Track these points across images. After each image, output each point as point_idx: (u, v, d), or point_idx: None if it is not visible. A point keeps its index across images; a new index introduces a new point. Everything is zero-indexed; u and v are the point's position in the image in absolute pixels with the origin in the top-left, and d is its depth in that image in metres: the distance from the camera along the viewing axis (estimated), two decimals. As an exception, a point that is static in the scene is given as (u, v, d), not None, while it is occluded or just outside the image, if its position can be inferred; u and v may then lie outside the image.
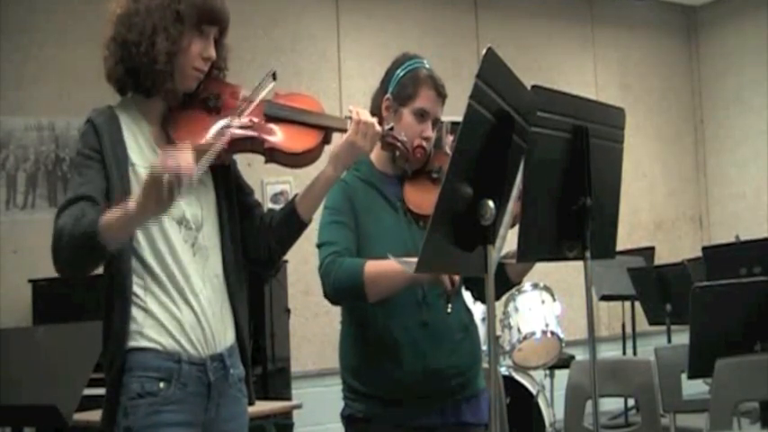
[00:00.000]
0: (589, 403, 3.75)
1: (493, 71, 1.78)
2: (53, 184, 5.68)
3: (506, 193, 1.99)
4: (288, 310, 5.90)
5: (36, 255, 5.40)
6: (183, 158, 1.82)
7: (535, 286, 5.27)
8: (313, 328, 6.43)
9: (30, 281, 5.13)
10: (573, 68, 8.08)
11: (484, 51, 1.71)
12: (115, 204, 1.96)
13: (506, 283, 2.68)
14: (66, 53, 5.63)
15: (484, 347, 4.56)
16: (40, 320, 4.99)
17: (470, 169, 1.82)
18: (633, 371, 3.84)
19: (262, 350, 5.43)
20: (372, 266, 2.46)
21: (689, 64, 8.87)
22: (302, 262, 5.62)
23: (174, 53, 2.11)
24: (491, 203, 1.83)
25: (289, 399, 5.53)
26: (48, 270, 5.14)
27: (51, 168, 5.69)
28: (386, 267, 2.42)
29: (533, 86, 2.13)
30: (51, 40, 5.70)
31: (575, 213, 2.35)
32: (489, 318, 1.97)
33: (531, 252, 2.31)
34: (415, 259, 1.78)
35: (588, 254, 2.39)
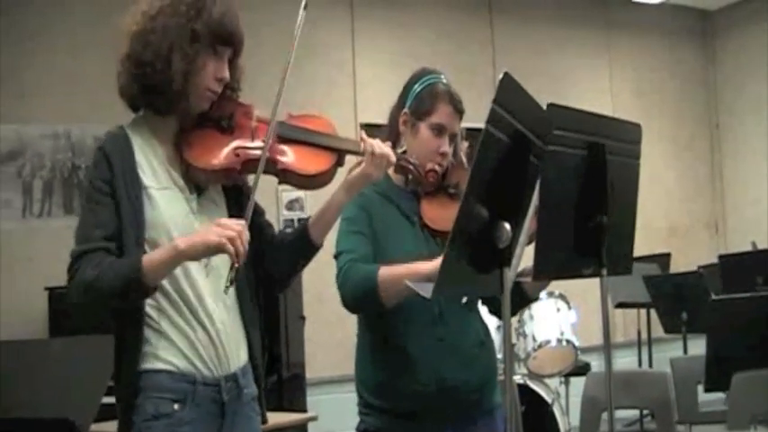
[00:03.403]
0: (604, 414, 3.74)
1: (509, 96, 1.77)
2: (69, 191, 5.70)
3: (522, 213, 1.99)
4: (302, 318, 5.91)
5: (52, 262, 5.40)
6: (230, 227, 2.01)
7: (550, 294, 5.25)
8: (327, 336, 6.43)
9: (46, 288, 5.14)
10: (588, 74, 8.06)
11: (500, 76, 1.70)
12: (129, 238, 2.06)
13: (524, 299, 2.67)
14: (81, 62, 5.65)
15: (499, 355, 4.58)
16: (55, 328, 5.01)
17: (487, 191, 1.81)
18: (649, 383, 3.83)
19: (277, 357, 5.45)
20: (386, 270, 2.45)
21: (705, 69, 8.83)
22: (316, 269, 5.55)
23: (189, 73, 2.10)
24: (507, 226, 1.82)
25: (304, 407, 5.54)
26: (64, 278, 5.16)
27: (67, 176, 5.71)
28: (399, 271, 2.41)
29: (549, 105, 2.11)
30: (67, 48, 5.73)
31: (591, 231, 2.34)
32: (506, 340, 1.96)
33: (547, 270, 2.30)
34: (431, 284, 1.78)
35: (605, 271, 2.39)
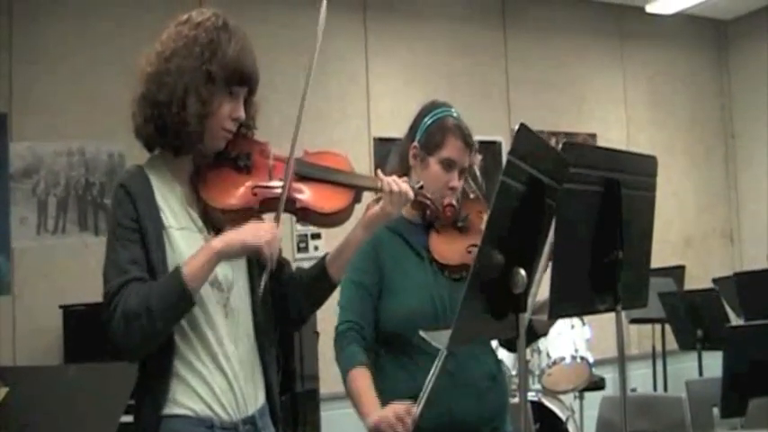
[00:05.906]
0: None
1: (525, 146, 1.77)
2: (83, 208, 5.71)
3: (538, 256, 1.99)
4: (316, 333, 5.90)
5: (67, 280, 5.44)
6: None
7: (564, 311, 5.23)
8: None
9: (60, 306, 5.14)
10: (602, 85, 8.02)
11: (516, 128, 1.69)
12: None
13: (534, 336, 2.67)
14: (96, 79, 5.64)
15: (514, 371, 4.55)
16: (70, 346, 5.02)
17: (503, 238, 1.81)
18: (664, 407, 3.81)
19: (291, 372, 5.45)
20: (355, 380, 2.59)
21: (719, 78, 8.78)
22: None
23: (205, 115, 2.09)
24: (522, 272, 1.82)
25: (317, 424, 5.54)
26: (78, 295, 5.15)
27: (81, 193, 5.72)
28: (360, 390, 2.56)
29: (564, 144, 2.11)
30: (82, 66, 5.72)
31: (606, 266, 2.33)
32: (521, 384, 1.95)
33: (562, 309, 2.30)
34: (447, 332, 1.77)
35: (620, 306, 2.38)
